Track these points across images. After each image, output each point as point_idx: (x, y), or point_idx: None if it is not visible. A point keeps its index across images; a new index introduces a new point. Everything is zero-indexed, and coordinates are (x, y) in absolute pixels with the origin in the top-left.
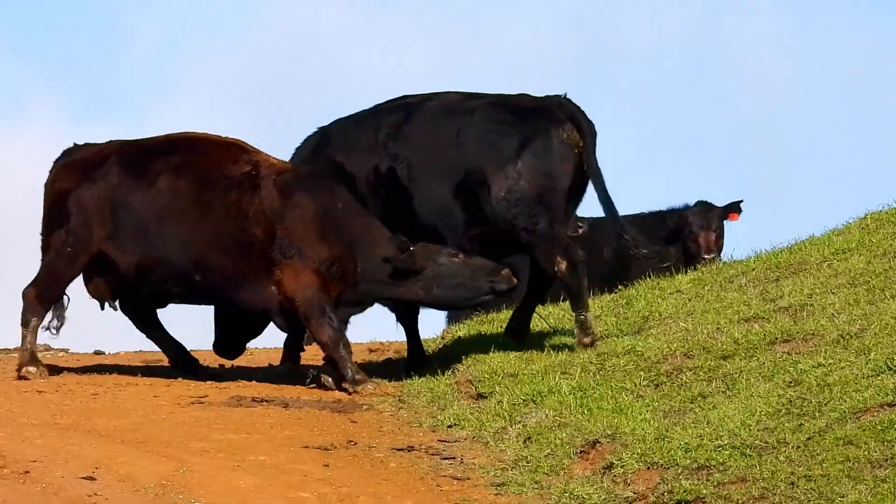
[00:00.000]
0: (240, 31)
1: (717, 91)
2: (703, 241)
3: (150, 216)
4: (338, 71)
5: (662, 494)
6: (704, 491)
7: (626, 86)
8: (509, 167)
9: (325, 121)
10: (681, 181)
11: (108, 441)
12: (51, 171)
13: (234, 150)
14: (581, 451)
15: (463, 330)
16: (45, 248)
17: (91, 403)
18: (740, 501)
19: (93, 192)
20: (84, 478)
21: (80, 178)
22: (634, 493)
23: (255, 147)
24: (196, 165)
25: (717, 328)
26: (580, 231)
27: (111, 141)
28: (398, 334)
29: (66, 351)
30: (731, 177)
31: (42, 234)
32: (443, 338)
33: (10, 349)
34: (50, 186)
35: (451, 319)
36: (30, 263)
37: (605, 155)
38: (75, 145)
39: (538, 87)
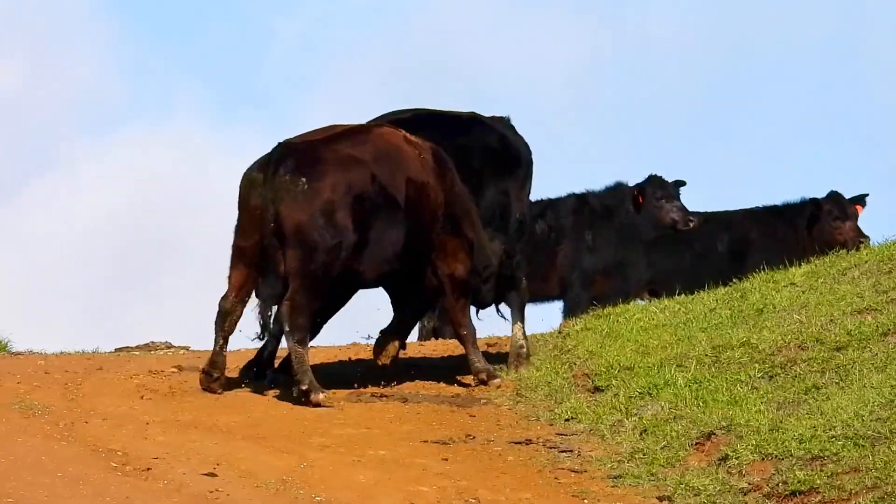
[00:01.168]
0: (376, 27)
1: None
2: (850, 230)
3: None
4: (471, 67)
5: (777, 485)
6: (818, 481)
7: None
8: None
9: None
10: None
11: (229, 437)
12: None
13: (401, 134)
14: (696, 443)
15: (580, 324)
16: None
17: (212, 400)
18: (853, 491)
19: None
20: (205, 474)
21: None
22: (749, 483)
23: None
24: (395, 153)
25: (831, 320)
26: (691, 225)
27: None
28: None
29: (187, 349)
30: (844, 169)
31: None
32: (560, 332)
33: (131, 347)
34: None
35: (568, 313)
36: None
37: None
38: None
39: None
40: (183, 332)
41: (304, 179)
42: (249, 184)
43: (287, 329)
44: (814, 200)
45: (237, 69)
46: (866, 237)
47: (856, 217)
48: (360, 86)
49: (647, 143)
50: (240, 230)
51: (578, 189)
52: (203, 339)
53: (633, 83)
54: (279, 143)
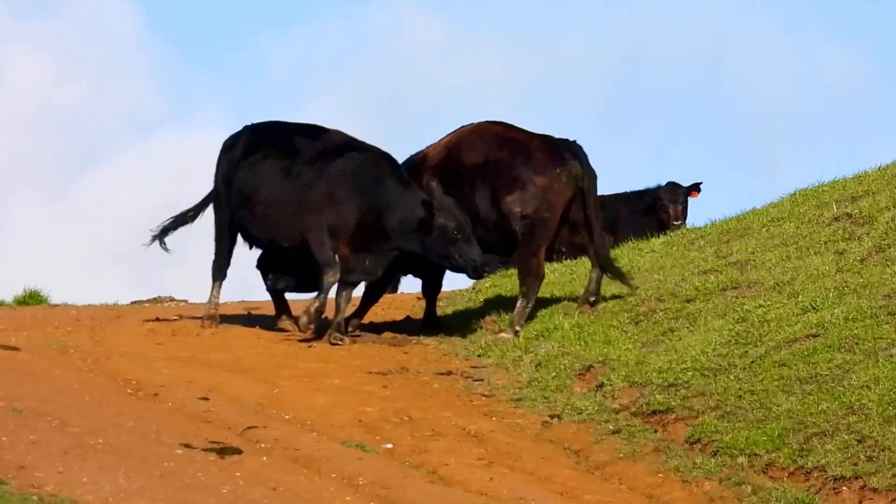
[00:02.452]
0: (361, 51)
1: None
2: (672, 212)
3: None
4: (433, 86)
5: (641, 406)
6: (673, 403)
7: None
8: None
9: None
10: (655, 167)
11: (218, 370)
12: None
13: None
14: (579, 374)
15: (489, 283)
16: None
17: (206, 342)
18: (701, 411)
19: None
20: (201, 398)
21: None
22: (620, 405)
23: None
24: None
25: (683, 278)
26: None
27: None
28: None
29: (186, 301)
30: (694, 162)
31: None
32: (473, 288)
33: (143, 301)
34: None
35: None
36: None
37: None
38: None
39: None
40: (184, 288)
41: None
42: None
43: None
44: (657, 188)
45: (244, 89)
46: (683, 219)
47: (686, 203)
48: (342, 103)
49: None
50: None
51: None
52: (198, 294)
53: (552, 95)
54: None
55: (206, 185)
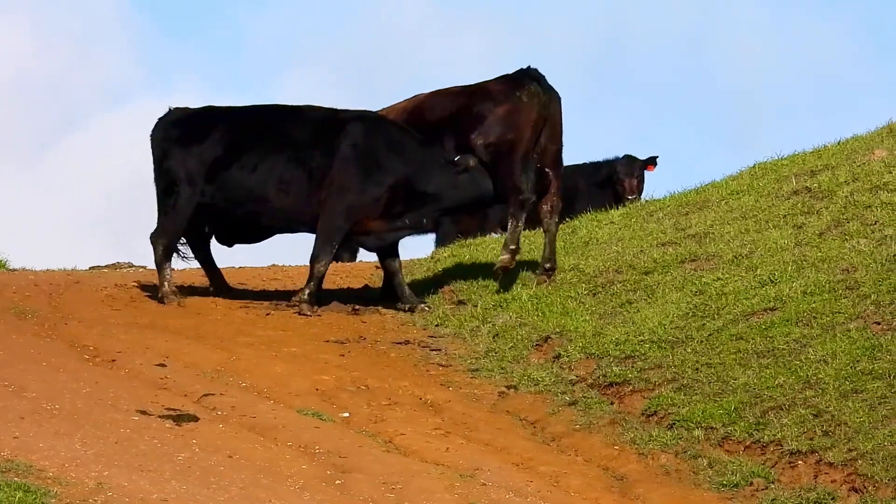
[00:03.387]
0: (340, 23)
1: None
2: (628, 185)
3: None
4: (413, 60)
5: (598, 378)
6: (630, 375)
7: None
8: None
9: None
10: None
11: (176, 336)
12: None
13: None
14: (536, 345)
15: (447, 252)
16: None
17: (163, 308)
18: (657, 383)
19: None
20: (158, 364)
21: None
22: (577, 376)
23: None
24: None
25: (641, 250)
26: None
27: None
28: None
29: (144, 267)
30: (652, 136)
31: None
32: (432, 258)
33: (101, 266)
34: None
35: (439, 243)
36: None
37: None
38: None
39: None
40: (142, 254)
41: None
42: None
43: None
44: (614, 160)
45: (223, 60)
46: (639, 193)
47: (642, 176)
48: (320, 73)
49: None
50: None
51: None
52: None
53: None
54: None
55: None
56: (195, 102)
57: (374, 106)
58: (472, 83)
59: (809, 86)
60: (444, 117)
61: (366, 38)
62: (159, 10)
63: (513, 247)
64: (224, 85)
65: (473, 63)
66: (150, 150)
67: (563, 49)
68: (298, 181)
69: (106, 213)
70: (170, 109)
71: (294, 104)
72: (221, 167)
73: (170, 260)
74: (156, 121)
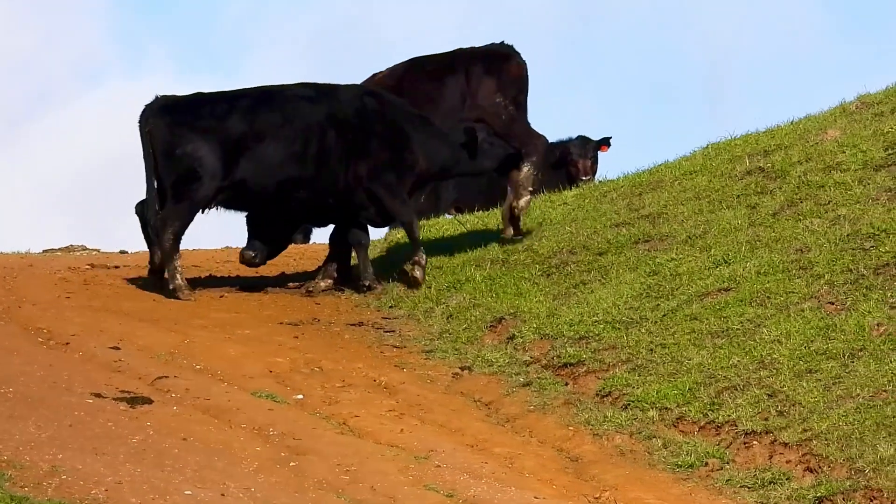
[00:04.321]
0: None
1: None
2: (581, 166)
3: None
4: (381, 35)
5: (553, 359)
6: (584, 356)
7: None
8: None
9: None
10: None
11: (130, 319)
12: None
13: None
14: (490, 326)
15: (401, 233)
16: None
17: (117, 290)
18: (611, 364)
19: None
20: (112, 347)
21: None
22: (531, 357)
23: None
24: None
25: (595, 231)
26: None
27: None
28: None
29: (98, 250)
30: (606, 115)
31: None
32: (386, 239)
33: (55, 249)
34: None
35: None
36: None
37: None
38: None
39: None
40: (95, 237)
41: None
42: None
43: None
44: (567, 140)
45: (194, 39)
46: (593, 175)
47: (595, 157)
48: (290, 51)
49: None
50: None
51: None
52: (110, 244)
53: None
54: None
55: None
56: (165, 80)
57: (348, 80)
58: (458, 49)
59: (776, 63)
60: (442, 83)
61: (333, 12)
62: None
63: (532, 188)
64: (195, 63)
65: (443, 37)
66: (149, 138)
67: (530, 24)
68: (325, 160)
69: (62, 195)
70: (157, 97)
71: (285, 83)
72: (246, 151)
73: (178, 250)
74: (145, 108)
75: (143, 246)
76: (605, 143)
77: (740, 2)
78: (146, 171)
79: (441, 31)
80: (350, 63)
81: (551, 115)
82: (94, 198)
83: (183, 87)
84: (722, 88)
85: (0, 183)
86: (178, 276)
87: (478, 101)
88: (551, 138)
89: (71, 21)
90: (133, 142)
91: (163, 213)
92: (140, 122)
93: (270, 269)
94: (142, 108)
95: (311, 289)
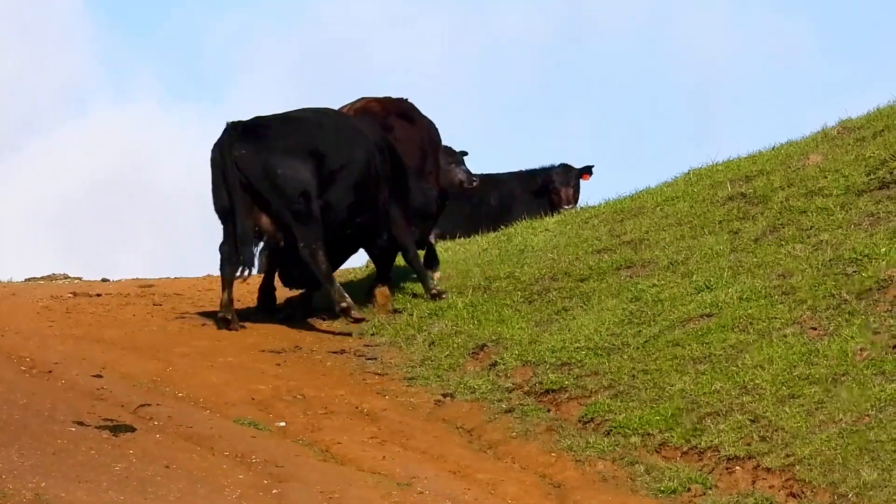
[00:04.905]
0: (296, 25)
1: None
2: (564, 195)
3: None
4: (369, 60)
5: (535, 385)
6: (567, 382)
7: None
8: None
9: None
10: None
11: (112, 347)
12: None
13: None
14: (472, 353)
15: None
16: None
17: (100, 319)
18: (594, 390)
19: None
20: (94, 375)
21: None
22: (514, 384)
23: None
24: None
25: (576, 257)
26: (474, 184)
27: None
28: None
29: (80, 278)
30: (586, 144)
31: None
32: (367, 266)
33: (37, 278)
34: None
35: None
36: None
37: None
38: None
39: None
40: (80, 265)
41: None
42: None
43: None
44: (550, 168)
45: (181, 65)
46: (575, 203)
47: (577, 185)
48: (277, 78)
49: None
50: None
51: None
52: (92, 272)
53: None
54: None
55: (146, 158)
56: (152, 105)
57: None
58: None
59: (758, 86)
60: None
61: (320, 38)
62: (114, 13)
63: None
64: (182, 89)
65: (431, 60)
66: (235, 165)
67: (517, 46)
68: (371, 184)
69: (47, 222)
70: (231, 123)
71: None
72: (328, 172)
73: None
74: (225, 136)
75: (125, 274)
76: (588, 171)
77: (722, 27)
78: (233, 203)
79: (428, 55)
80: (337, 88)
81: (534, 139)
82: (79, 225)
83: (170, 113)
84: (705, 113)
85: None
86: (344, 295)
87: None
88: (534, 164)
89: (57, 46)
90: (117, 167)
91: (303, 241)
92: (220, 151)
93: (249, 298)
94: (219, 137)
95: (291, 316)
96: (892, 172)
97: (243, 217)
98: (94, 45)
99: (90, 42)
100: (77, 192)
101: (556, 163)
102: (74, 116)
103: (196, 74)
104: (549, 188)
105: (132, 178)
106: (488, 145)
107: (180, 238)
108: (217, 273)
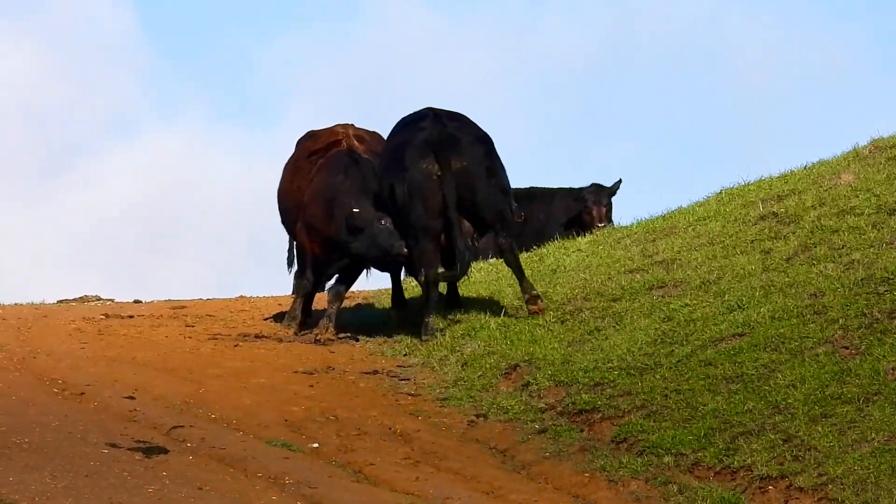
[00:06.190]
0: (345, 48)
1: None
2: (596, 214)
3: None
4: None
5: (568, 405)
6: (599, 402)
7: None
8: None
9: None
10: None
11: (144, 369)
12: None
13: None
14: (505, 373)
15: (413, 282)
16: None
17: (132, 340)
18: (627, 410)
19: None
20: (126, 397)
21: None
22: (546, 404)
23: None
24: None
25: (609, 277)
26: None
27: None
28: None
29: (112, 300)
30: (617, 163)
31: None
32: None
33: (69, 299)
34: None
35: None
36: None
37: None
38: None
39: None
40: (110, 288)
41: None
42: None
43: None
44: (581, 188)
45: (228, 88)
46: (610, 222)
47: (610, 204)
48: (327, 102)
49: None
50: None
51: None
52: (124, 293)
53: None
54: None
55: (188, 184)
56: (200, 129)
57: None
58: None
59: (796, 105)
60: None
61: (369, 61)
62: (165, 38)
63: None
64: (232, 114)
65: (473, 80)
66: (465, 169)
67: (562, 62)
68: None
69: (82, 245)
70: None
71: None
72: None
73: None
74: (449, 141)
75: (157, 296)
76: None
77: (752, 49)
78: (452, 207)
79: (474, 79)
80: (388, 110)
81: (569, 160)
82: (121, 248)
83: (217, 137)
84: (739, 133)
85: (30, 234)
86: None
87: None
88: (566, 184)
89: (110, 69)
90: (159, 190)
91: (421, 260)
92: (445, 157)
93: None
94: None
95: (324, 337)
96: None
97: (457, 218)
98: (146, 69)
99: (142, 65)
100: (118, 214)
101: (588, 183)
102: (123, 139)
103: (246, 98)
104: (581, 207)
105: (174, 200)
106: (534, 161)
107: (217, 260)
108: (248, 294)
